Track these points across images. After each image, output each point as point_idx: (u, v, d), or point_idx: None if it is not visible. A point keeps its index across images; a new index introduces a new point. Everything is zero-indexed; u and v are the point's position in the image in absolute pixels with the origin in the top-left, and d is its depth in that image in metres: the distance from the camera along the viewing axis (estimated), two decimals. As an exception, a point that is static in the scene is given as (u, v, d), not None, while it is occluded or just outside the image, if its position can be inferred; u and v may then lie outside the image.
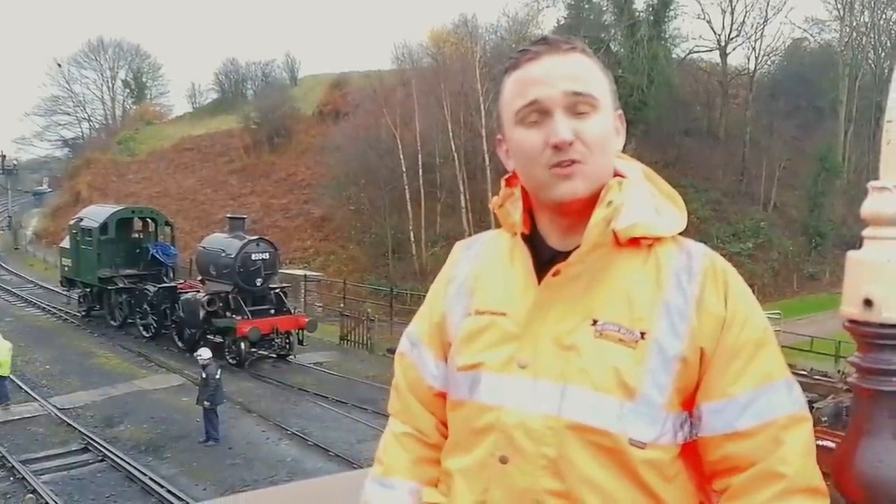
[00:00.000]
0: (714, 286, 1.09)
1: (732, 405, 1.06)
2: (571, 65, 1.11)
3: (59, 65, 57.84)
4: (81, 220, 22.00)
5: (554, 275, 1.11)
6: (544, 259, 1.15)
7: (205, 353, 12.77)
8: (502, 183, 1.25)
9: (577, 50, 1.12)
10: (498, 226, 1.29)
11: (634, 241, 1.12)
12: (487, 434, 1.13)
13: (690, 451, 1.10)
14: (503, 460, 1.10)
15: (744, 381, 1.06)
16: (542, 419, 1.08)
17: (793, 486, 1.03)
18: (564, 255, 1.12)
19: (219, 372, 12.65)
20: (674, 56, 36.62)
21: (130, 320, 20.83)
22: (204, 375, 12.33)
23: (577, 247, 1.11)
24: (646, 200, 1.14)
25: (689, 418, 1.10)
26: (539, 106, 1.09)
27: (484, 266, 1.24)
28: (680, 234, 1.16)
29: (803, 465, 1.04)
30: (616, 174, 1.16)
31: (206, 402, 12.21)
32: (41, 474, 10.82)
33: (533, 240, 1.19)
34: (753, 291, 1.15)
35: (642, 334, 1.07)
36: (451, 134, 30.91)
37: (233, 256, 17.37)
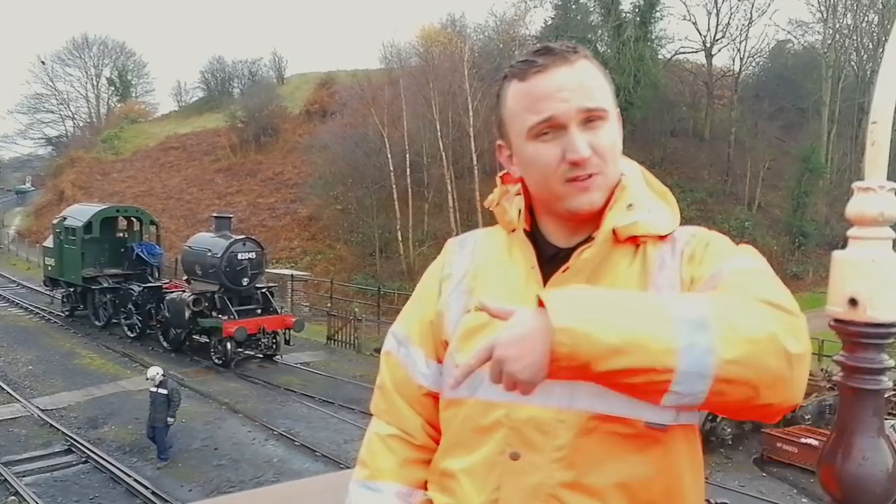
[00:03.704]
0: (698, 244, 1.12)
1: (722, 271, 1.04)
2: (581, 76, 1.11)
3: (43, 62, 57.33)
4: (65, 218, 21.78)
5: (564, 271, 1.13)
6: (546, 256, 1.17)
7: (157, 370, 11.90)
8: (497, 181, 1.26)
9: (581, 57, 1.13)
10: (486, 224, 1.29)
11: (632, 239, 1.14)
12: (494, 431, 1.12)
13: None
14: (514, 457, 1.10)
15: (729, 258, 1.07)
16: (553, 412, 1.08)
17: (774, 302, 0.94)
18: (566, 252, 1.15)
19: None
20: (660, 57, 36.82)
21: (115, 320, 20.64)
22: (166, 391, 11.48)
23: (579, 243, 1.13)
24: (646, 200, 1.17)
25: None
26: (554, 122, 1.10)
27: (482, 263, 1.24)
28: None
29: (789, 298, 0.96)
30: None
31: (169, 418, 11.47)
32: (24, 476, 10.70)
33: (533, 236, 1.20)
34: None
35: None
36: (438, 133, 30.88)
37: (219, 256, 17.26)
